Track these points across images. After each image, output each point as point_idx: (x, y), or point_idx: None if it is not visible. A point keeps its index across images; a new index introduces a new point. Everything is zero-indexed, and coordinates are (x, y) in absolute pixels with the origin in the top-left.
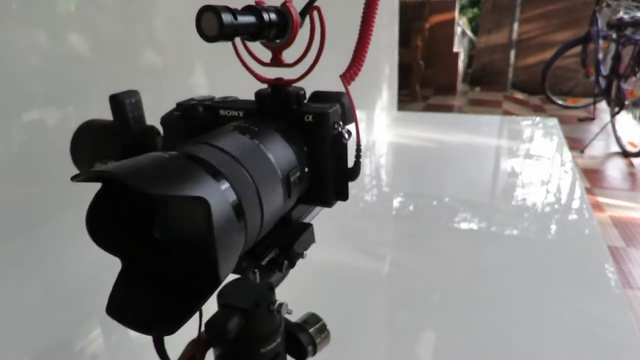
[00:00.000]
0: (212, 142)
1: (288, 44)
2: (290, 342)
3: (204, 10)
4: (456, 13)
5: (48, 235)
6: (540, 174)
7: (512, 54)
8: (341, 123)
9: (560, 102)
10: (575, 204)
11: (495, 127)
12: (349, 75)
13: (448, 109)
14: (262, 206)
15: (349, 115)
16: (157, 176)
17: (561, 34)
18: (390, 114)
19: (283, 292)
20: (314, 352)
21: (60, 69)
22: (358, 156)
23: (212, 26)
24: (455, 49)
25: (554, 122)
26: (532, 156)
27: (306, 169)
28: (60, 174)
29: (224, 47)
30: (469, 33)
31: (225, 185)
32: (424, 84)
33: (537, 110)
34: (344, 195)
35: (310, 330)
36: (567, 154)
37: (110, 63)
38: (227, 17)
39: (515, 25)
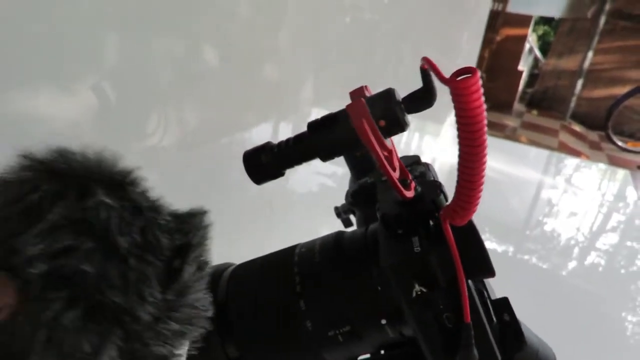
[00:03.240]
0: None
1: None
2: None
3: None
4: (530, 30)
5: None
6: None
7: (580, 83)
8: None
9: (620, 143)
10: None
11: (553, 167)
12: (454, 212)
13: (500, 128)
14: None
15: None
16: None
17: (637, 72)
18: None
19: None
20: None
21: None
22: (467, 339)
23: None
24: (520, 67)
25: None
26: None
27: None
28: None
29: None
30: (536, 51)
31: None
32: None
33: (594, 147)
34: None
35: None
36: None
37: (236, 73)
38: None
39: (590, 54)
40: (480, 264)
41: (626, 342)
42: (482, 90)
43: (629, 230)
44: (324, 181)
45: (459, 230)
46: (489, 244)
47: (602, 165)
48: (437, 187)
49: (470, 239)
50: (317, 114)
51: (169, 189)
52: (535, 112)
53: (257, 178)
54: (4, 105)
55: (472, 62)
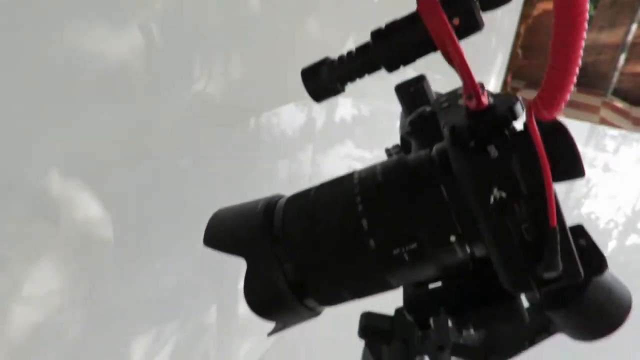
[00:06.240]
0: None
1: None
2: None
3: None
4: None
5: None
6: None
7: (622, 57)
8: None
9: None
10: None
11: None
12: (542, 102)
13: None
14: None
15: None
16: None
17: None
18: None
19: None
20: None
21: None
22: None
23: None
24: None
25: None
26: None
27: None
28: None
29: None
30: None
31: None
32: (517, 74)
33: (637, 123)
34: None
35: None
36: None
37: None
38: None
39: (634, 27)
40: (570, 164)
41: None
42: None
43: None
44: (353, 164)
45: (544, 128)
46: None
47: None
48: (513, 95)
49: (558, 135)
50: None
51: (212, 140)
52: (574, 89)
53: (317, 94)
54: (57, 35)
55: (509, 39)
